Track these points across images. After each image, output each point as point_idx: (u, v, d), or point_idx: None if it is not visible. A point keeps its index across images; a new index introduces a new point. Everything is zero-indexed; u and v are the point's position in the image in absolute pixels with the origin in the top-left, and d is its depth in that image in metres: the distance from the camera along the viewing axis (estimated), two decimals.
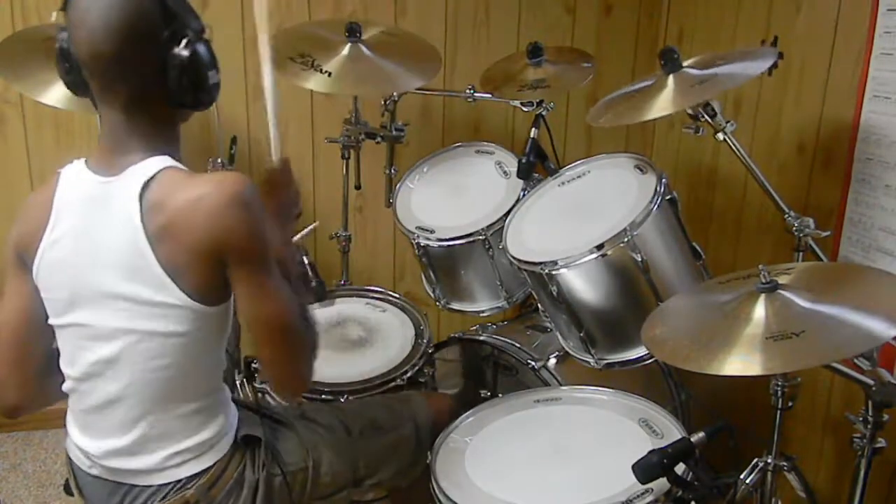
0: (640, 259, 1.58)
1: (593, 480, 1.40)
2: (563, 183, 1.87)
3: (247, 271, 1.21)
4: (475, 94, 2.19)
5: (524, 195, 1.92)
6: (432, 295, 2.13)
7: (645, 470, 1.24)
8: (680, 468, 1.25)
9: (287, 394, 1.39)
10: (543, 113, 2.04)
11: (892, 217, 1.74)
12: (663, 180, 1.66)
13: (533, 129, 2.00)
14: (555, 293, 1.66)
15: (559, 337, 1.82)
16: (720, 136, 1.59)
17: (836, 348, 1.13)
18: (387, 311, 2.12)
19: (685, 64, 1.66)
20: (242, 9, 2.48)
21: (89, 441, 1.31)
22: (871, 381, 1.31)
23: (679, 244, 1.68)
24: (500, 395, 1.92)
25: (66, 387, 1.32)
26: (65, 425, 1.37)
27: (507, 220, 1.86)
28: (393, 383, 1.84)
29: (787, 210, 1.55)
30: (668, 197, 1.64)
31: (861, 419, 1.33)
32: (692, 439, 1.27)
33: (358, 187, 2.40)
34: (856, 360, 1.37)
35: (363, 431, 1.52)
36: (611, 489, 1.33)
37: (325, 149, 2.46)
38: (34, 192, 1.32)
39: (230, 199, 1.17)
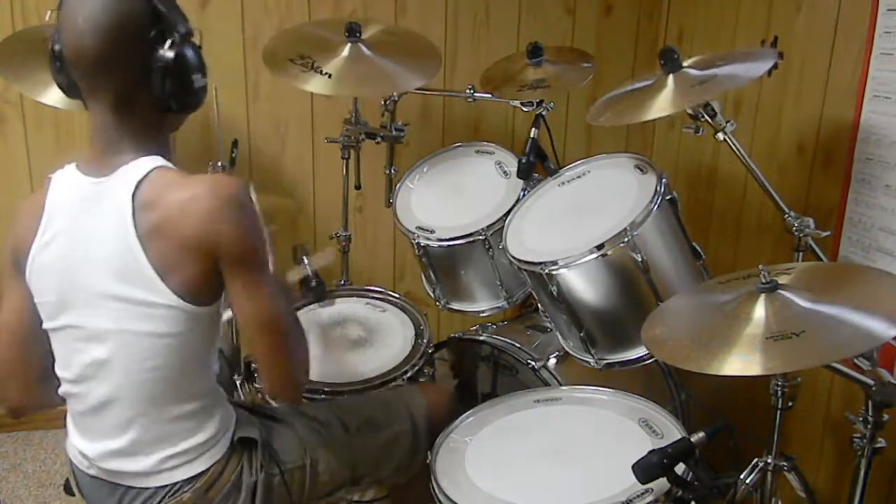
0: (640, 259, 1.58)
1: (593, 480, 1.39)
2: (563, 183, 1.87)
3: (241, 271, 1.21)
4: (475, 94, 2.19)
5: (524, 195, 1.92)
6: (432, 295, 2.13)
7: (645, 470, 1.24)
8: (680, 468, 1.25)
9: (282, 396, 1.38)
10: (543, 113, 2.04)
11: (892, 217, 1.74)
12: (663, 180, 1.65)
13: (533, 129, 2.00)
14: (555, 293, 1.66)
15: (559, 337, 1.82)
16: (720, 136, 1.59)
17: (836, 348, 1.13)
18: (387, 311, 2.12)
19: (685, 64, 1.66)
20: (242, 9, 2.48)
21: (86, 443, 1.31)
22: (871, 381, 1.31)
23: (679, 244, 1.68)
24: (500, 395, 1.92)
25: (61, 390, 1.32)
26: (65, 426, 1.37)
27: (507, 220, 1.86)
28: (393, 383, 1.84)
29: (787, 210, 1.55)
30: (668, 197, 1.64)
31: (861, 419, 1.33)
32: (692, 439, 1.27)
33: (358, 187, 2.40)
34: (856, 360, 1.37)
35: (360, 429, 1.52)
36: (611, 489, 1.33)
37: (325, 149, 2.46)
38: (27, 198, 1.33)
39: (224, 200, 1.18)
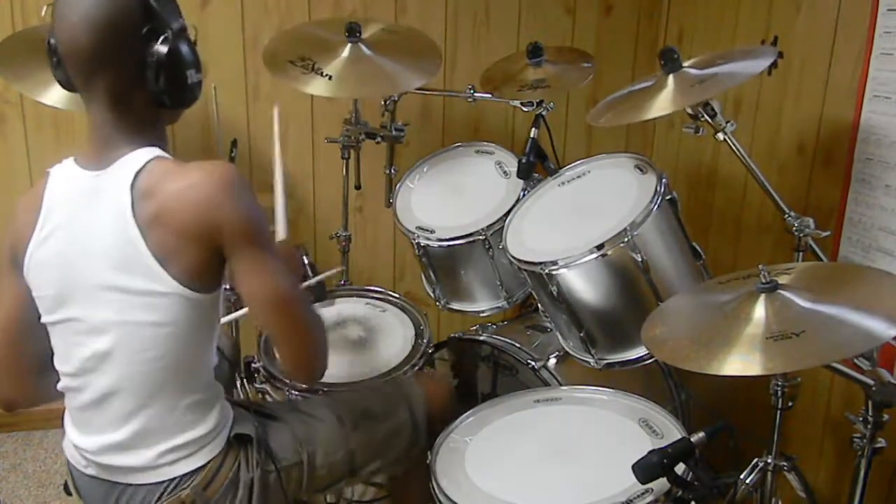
0: (640, 259, 1.58)
1: (593, 480, 1.39)
2: (563, 183, 1.87)
3: (244, 252, 1.22)
4: (475, 94, 2.19)
5: (524, 195, 1.92)
6: (432, 295, 2.13)
7: (645, 470, 1.24)
8: (680, 468, 1.25)
9: (300, 374, 1.36)
10: (543, 113, 2.04)
11: (892, 217, 1.74)
12: (663, 180, 1.66)
13: (533, 129, 2.00)
14: (555, 293, 1.66)
15: (559, 337, 1.82)
16: (720, 136, 1.59)
17: (836, 348, 1.13)
18: (387, 311, 2.12)
19: (685, 64, 1.66)
20: (242, 9, 2.48)
21: (85, 438, 1.31)
22: (871, 381, 1.31)
23: (679, 244, 1.68)
24: (500, 395, 1.92)
25: (60, 385, 1.32)
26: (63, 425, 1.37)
27: (507, 220, 1.86)
28: None
29: (787, 210, 1.55)
30: (668, 197, 1.64)
31: (861, 419, 1.33)
32: (692, 439, 1.27)
33: (358, 187, 2.40)
34: (856, 360, 1.37)
35: (358, 422, 1.52)
36: (611, 489, 1.33)
37: (325, 149, 2.46)
38: (24, 194, 1.33)
39: (221, 184, 1.19)
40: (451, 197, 2.10)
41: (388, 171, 2.35)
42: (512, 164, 2.04)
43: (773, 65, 2.06)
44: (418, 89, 2.17)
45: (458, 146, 2.21)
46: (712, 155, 2.43)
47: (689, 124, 1.65)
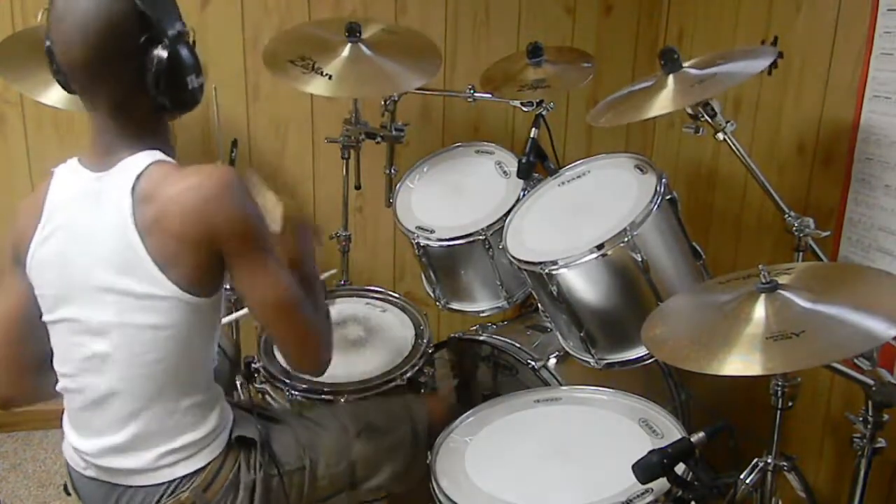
0: (640, 259, 1.58)
1: (593, 480, 1.40)
2: (563, 183, 1.87)
3: (245, 255, 1.22)
4: (475, 94, 2.19)
5: (524, 195, 1.92)
6: (432, 295, 2.13)
7: (645, 470, 1.24)
8: (680, 468, 1.25)
9: (310, 369, 1.36)
10: (543, 113, 2.04)
11: (892, 217, 1.74)
12: (663, 180, 1.66)
13: (533, 129, 2.00)
14: (555, 293, 1.66)
15: (559, 337, 1.82)
16: (720, 136, 1.59)
17: (836, 348, 1.13)
18: (387, 311, 2.12)
19: (685, 64, 1.66)
20: (242, 9, 2.48)
21: (84, 440, 1.31)
22: (871, 381, 1.31)
23: (679, 244, 1.68)
24: (500, 395, 1.92)
25: (59, 386, 1.32)
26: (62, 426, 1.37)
27: (507, 220, 1.86)
28: (393, 383, 1.84)
29: (787, 210, 1.55)
30: (668, 197, 1.64)
31: (861, 419, 1.33)
32: (692, 439, 1.27)
33: (358, 187, 2.40)
34: (856, 360, 1.37)
35: (361, 433, 1.52)
36: (611, 489, 1.33)
37: (325, 149, 2.46)
38: (29, 193, 1.33)
39: (220, 187, 1.19)
40: (451, 197, 2.10)
41: (388, 171, 2.35)
42: (512, 164, 2.04)
43: (773, 65, 2.06)
44: (418, 89, 2.17)
45: (458, 146, 2.21)
46: (712, 155, 2.43)
47: (689, 124, 1.65)
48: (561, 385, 1.83)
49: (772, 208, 1.57)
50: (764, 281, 1.23)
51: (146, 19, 1.19)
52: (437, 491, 1.43)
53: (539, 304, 1.85)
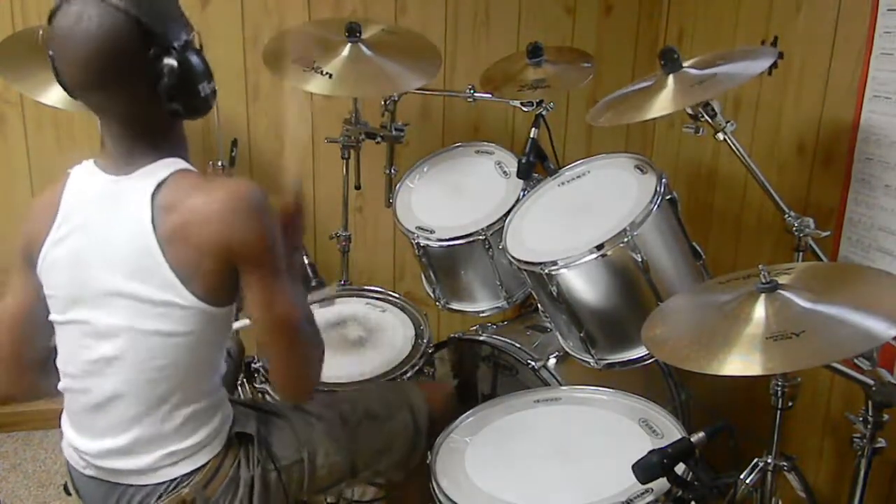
0: (640, 259, 1.58)
1: (593, 480, 1.40)
2: (563, 183, 1.87)
3: (259, 275, 1.22)
4: (475, 94, 2.19)
5: (524, 195, 1.92)
6: (432, 295, 2.13)
7: (645, 470, 1.24)
8: (680, 468, 1.25)
9: (292, 397, 1.39)
10: (543, 113, 2.04)
11: (892, 217, 1.74)
12: (663, 180, 1.65)
13: (533, 129, 2.00)
14: (555, 293, 1.66)
15: (559, 337, 1.82)
16: (720, 136, 1.59)
17: (836, 348, 1.13)
18: (387, 311, 2.12)
19: (685, 64, 1.66)
20: (242, 9, 2.48)
21: (85, 441, 1.31)
22: (871, 381, 1.31)
23: (679, 244, 1.68)
24: (500, 395, 1.92)
25: (61, 385, 1.32)
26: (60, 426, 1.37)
27: (506, 220, 1.86)
28: None
29: (787, 210, 1.55)
30: (668, 197, 1.64)
31: (861, 419, 1.33)
32: (692, 439, 1.27)
33: (358, 187, 2.40)
34: (856, 360, 1.37)
35: (359, 422, 1.52)
36: (611, 489, 1.33)
37: (325, 149, 2.45)
38: (42, 192, 1.33)
39: (244, 204, 1.19)
40: (451, 197, 2.10)
41: (388, 171, 2.35)
42: (512, 164, 2.04)
43: (773, 65, 2.06)
44: (418, 89, 2.17)
45: (458, 146, 2.21)
46: (712, 155, 2.43)
47: (689, 124, 1.65)
48: (561, 385, 1.83)
49: (772, 208, 1.57)
50: (764, 281, 1.23)
51: (150, 34, 1.17)
52: (437, 491, 1.43)
53: (539, 304, 1.85)
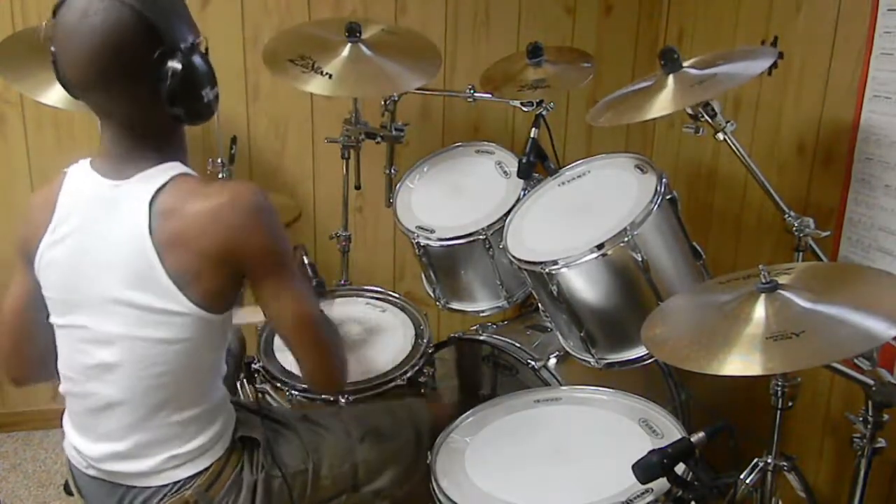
0: (640, 259, 1.58)
1: (593, 480, 1.39)
2: (563, 183, 1.87)
3: (270, 277, 1.22)
4: (475, 94, 2.19)
5: (524, 195, 1.92)
6: (432, 295, 2.13)
7: (645, 470, 1.24)
8: (680, 468, 1.25)
9: (327, 389, 1.40)
10: (543, 113, 2.04)
11: (892, 217, 1.74)
12: (663, 180, 1.66)
13: (533, 129, 2.00)
14: (555, 293, 1.66)
15: (559, 337, 1.82)
16: (720, 136, 1.59)
17: (836, 348, 1.13)
18: (387, 311, 2.12)
19: (685, 64, 1.66)
20: (242, 9, 2.48)
21: (87, 443, 1.31)
22: (871, 381, 1.31)
23: (679, 244, 1.68)
24: (500, 395, 1.92)
25: (62, 388, 1.32)
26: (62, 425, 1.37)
27: (507, 220, 1.86)
28: (393, 383, 1.84)
29: (787, 210, 1.55)
30: (668, 197, 1.64)
31: (861, 419, 1.33)
32: (692, 439, 1.27)
33: (358, 187, 2.40)
34: (856, 360, 1.37)
35: (364, 437, 1.52)
36: (611, 489, 1.33)
37: (325, 149, 2.46)
38: (38, 190, 1.31)
39: (246, 208, 1.17)
40: (451, 197, 2.10)
41: (388, 171, 2.35)
42: (512, 163, 2.04)
43: (773, 65, 2.06)
44: (418, 89, 2.17)
45: (458, 146, 2.21)
46: (712, 155, 2.43)
47: (689, 124, 1.65)
48: (561, 385, 1.83)
49: (772, 208, 1.57)
50: (764, 281, 1.23)
51: (157, 34, 1.15)
52: (437, 491, 1.43)
53: (539, 304, 1.85)
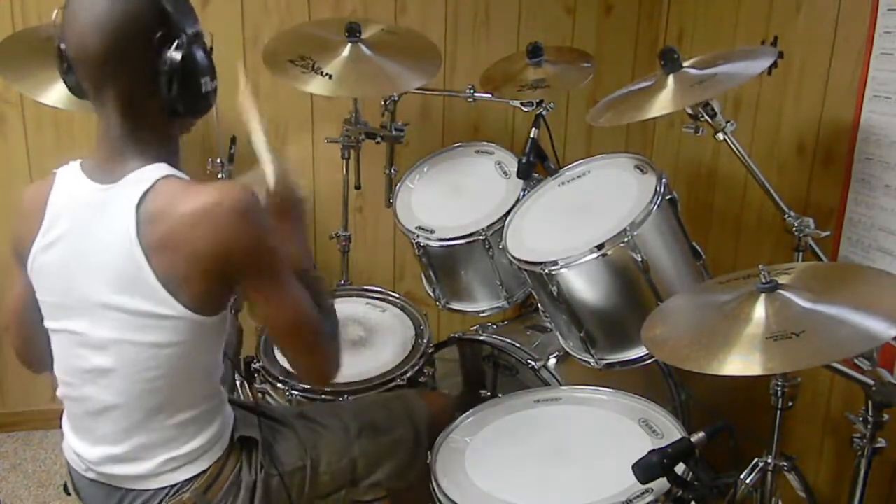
0: (640, 259, 1.58)
1: (593, 480, 1.40)
2: (563, 183, 1.87)
3: (259, 280, 1.20)
4: (475, 94, 2.19)
5: (524, 195, 1.92)
6: (432, 295, 2.13)
7: (645, 470, 1.24)
8: (680, 468, 1.25)
9: (317, 383, 1.42)
10: (543, 113, 2.04)
11: (892, 217, 1.74)
12: (663, 180, 1.66)
13: (533, 129, 2.00)
14: (555, 293, 1.66)
15: (559, 337, 1.82)
16: (720, 136, 1.59)
17: (836, 348, 1.13)
18: (387, 311, 2.12)
19: (685, 64, 1.66)
20: (242, 9, 2.48)
21: (85, 446, 1.30)
22: (871, 381, 1.31)
23: (679, 244, 1.68)
24: (500, 395, 1.92)
25: (59, 392, 1.32)
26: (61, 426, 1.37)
27: (507, 220, 1.86)
28: (393, 383, 1.84)
29: (787, 210, 1.55)
30: (668, 197, 1.64)
31: (861, 419, 1.33)
32: (692, 439, 1.27)
33: (358, 187, 2.40)
34: (856, 360, 1.37)
35: (362, 431, 1.52)
36: (611, 489, 1.33)
37: (325, 149, 2.46)
38: (30, 188, 1.31)
39: (232, 210, 1.15)
40: (451, 197, 2.10)
41: (388, 171, 2.35)
42: (512, 164, 2.04)
43: (773, 65, 2.06)
44: (418, 89, 2.17)
45: (458, 146, 2.21)
46: (712, 155, 2.43)
47: (689, 124, 1.65)
48: (561, 385, 1.83)
49: (772, 208, 1.57)
50: (764, 281, 1.23)
51: (165, 14, 1.17)
52: (437, 491, 1.43)
53: (539, 304, 1.85)
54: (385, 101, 2.25)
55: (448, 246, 1.97)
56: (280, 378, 1.82)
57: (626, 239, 1.57)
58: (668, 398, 1.98)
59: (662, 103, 1.59)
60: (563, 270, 1.63)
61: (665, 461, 1.23)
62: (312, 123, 2.61)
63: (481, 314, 2.05)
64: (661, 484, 1.29)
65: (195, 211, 1.15)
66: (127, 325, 1.19)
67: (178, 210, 1.15)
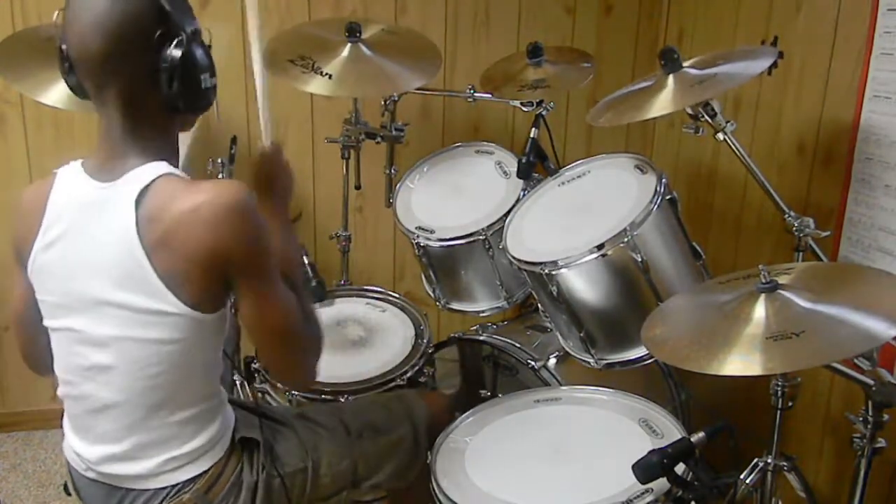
0: (640, 259, 1.58)
1: (593, 480, 1.40)
2: (563, 183, 1.87)
3: (248, 281, 1.20)
4: (475, 94, 2.19)
5: (524, 195, 1.92)
6: (432, 295, 2.13)
7: (645, 470, 1.24)
8: (680, 468, 1.25)
9: (291, 387, 1.41)
10: (543, 113, 2.04)
11: (892, 217, 1.74)
12: (663, 180, 1.66)
13: (533, 129, 2.00)
14: (555, 293, 1.66)
15: (559, 337, 1.82)
16: (720, 136, 1.59)
17: (836, 348, 1.13)
18: (387, 311, 2.12)
19: (685, 64, 1.66)
20: (242, 9, 2.47)
21: (85, 445, 1.30)
22: (871, 381, 1.31)
23: (679, 244, 1.68)
24: (500, 395, 1.92)
25: (59, 391, 1.32)
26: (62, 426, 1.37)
27: (507, 220, 1.86)
28: (393, 383, 1.84)
29: (787, 210, 1.55)
30: (668, 197, 1.64)
31: (861, 419, 1.33)
32: (692, 439, 1.27)
33: (358, 187, 2.40)
34: (856, 360, 1.37)
35: (362, 432, 1.52)
36: (611, 489, 1.33)
37: (325, 149, 2.46)
38: (30, 188, 1.32)
39: (229, 208, 1.16)
40: (451, 197, 2.10)
41: (388, 171, 2.35)
42: (512, 164, 2.04)
43: (773, 65, 2.06)
44: (418, 89, 2.17)
45: (458, 146, 2.21)
46: (712, 155, 2.43)
47: (689, 124, 1.65)
48: (561, 385, 1.83)
49: (772, 208, 1.57)
50: (764, 281, 1.23)
51: (164, 13, 1.18)
52: (437, 491, 1.43)
53: (539, 304, 1.85)
54: (385, 101, 2.25)
55: (448, 246, 1.97)
56: None
57: (626, 239, 1.57)
58: (668, 398, 1.97)
59: (662, 103, 1.59)
60: (562, 270, 1.63)
61: (665, 461, 1.23)
62: (312, 123, 2.61)
63: (481, 314, 2.05)
64: (661, 484, 1.29)
65: (188, 209, 1.15)
66: (128, 321, 1.20)
67: (176, 208, 1.16)
